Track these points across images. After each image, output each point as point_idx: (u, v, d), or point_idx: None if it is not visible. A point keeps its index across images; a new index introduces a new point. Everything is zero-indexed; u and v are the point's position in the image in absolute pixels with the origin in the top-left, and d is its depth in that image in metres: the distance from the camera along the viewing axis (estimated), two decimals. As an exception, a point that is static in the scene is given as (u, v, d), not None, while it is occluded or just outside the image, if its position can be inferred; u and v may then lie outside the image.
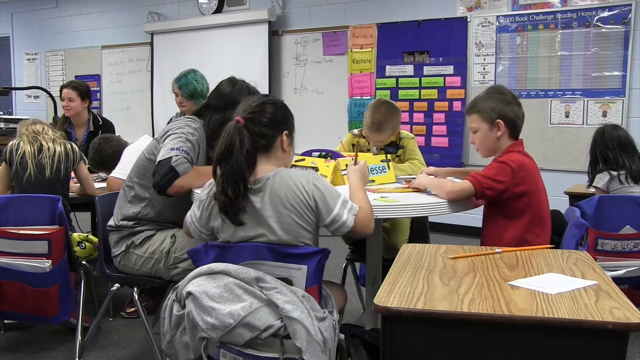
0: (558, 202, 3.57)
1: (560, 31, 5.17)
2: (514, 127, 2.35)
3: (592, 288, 1.42)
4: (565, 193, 4.05)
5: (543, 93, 5.27)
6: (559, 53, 5.19)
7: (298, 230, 1.81)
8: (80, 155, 3.20)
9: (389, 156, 2.80)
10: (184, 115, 3.23)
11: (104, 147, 3.46)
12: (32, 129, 3.10)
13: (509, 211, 2.29)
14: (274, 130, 1.88)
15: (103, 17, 8.13)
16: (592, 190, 3.50)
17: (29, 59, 8.98)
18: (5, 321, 3.12)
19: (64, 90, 4.12)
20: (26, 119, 3.32)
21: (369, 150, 3.11)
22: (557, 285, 1.43)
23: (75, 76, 7.87)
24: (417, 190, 2.41)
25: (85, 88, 4.18)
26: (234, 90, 2.52)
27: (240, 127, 1.79)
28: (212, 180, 1.88)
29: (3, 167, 3.10)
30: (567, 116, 5.19)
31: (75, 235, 3.00)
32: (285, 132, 1.92)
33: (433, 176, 2.54)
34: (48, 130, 3.14)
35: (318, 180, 1.85)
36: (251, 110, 1.85)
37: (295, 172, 1.86)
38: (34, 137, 3.07)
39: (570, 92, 5.16)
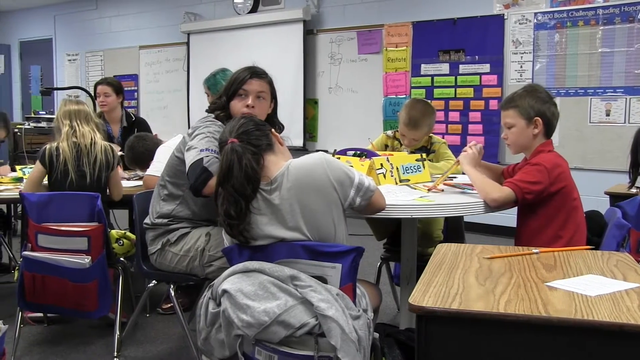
0: (597, 202, 3.48)
1: (602, 27, 5.04)
2: (549, 127, 2.37)
3: (634, 291, 1.39)
4: (606, 193, 3.94)
5: (582, 91, 5.14)
6: (599, 50, 5.06)
7: (325, 220, 1.82)
8: (118, 160, 3.23)
9: (423, 155, 2.78)
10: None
11: (136, 145, 3.53)
12: (72, 127, 3.04)
13: (544, 210, 2.29)
14: (265, 129, 1.94)
15: (141, 18, 8.29)
16: (634, 191, 3.41)
17: (69, 60, 9.21)
18: (49, 315, 3.20)
19: (99, 87, 4.22)
20: (68, 99, 3.22)
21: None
22: (596, 287, 1.40)
23: (114, 76, 8.02)
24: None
25: (118, 84, 4.31)
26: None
27: (235, 145, 1.82)
28: None
29: (39, 169, 3.02)
30: (607, 114, 5.05)
31: (113, 232, 3.06)
32: (270, 129, 1.97)
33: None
34: (85, 125, 3.07)
35: (328, 158, 1.88)
36: (238, 127, 1.89)
37: (306, 158, 1.88)
38: (74, 142, 3.02)
39: (612, 90, 5.02)
